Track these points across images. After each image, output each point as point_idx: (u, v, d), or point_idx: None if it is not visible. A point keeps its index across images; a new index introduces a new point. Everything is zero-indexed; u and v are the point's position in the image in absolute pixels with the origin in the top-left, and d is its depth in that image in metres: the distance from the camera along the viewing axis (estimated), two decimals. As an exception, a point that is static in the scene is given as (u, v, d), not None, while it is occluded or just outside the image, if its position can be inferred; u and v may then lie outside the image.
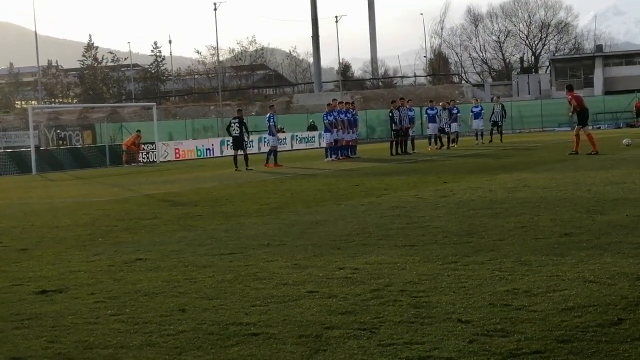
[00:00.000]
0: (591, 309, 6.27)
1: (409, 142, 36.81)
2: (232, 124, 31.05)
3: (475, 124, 43.77)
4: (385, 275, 7.97)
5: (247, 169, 29.39)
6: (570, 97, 29.06)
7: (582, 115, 28.56)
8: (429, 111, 40.78)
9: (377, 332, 5.89)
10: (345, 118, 34.39)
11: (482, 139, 43.54)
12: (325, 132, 34.81)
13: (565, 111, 30.26)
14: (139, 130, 44.78)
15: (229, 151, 46.08)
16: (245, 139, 31.01)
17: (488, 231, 10.57)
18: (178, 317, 6.66)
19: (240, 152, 30.76)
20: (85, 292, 7.91)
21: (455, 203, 14.23)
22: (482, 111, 43.95)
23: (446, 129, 40.16)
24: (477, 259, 8.58)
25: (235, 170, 29.51)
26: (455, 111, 41.05)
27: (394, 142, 36.13)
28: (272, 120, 32.31)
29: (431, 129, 40.42)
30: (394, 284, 7.54)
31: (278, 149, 33.26)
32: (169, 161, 44.80)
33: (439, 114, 40.10)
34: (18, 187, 27.63)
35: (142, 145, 44.26)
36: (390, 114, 36.22)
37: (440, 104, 42.64)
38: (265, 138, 45.87)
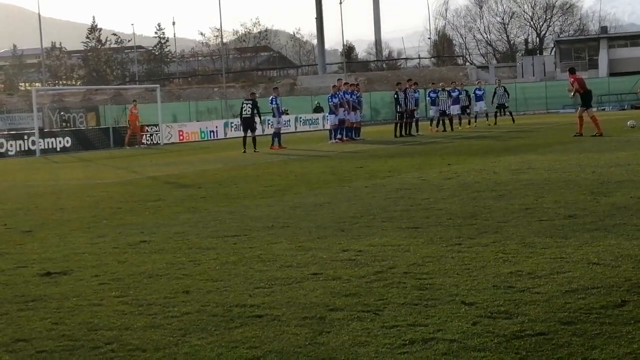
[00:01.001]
0: (595, 291, 6.28)
1: (413, 124, 36.76)
2: (244, 105, 31.03)
3: (477, 107, 43.75)
4: (389, 257, 7.98)
5: (254, 151, 29.37)
6: (572, 79, 29.06)
7: (585, 97, 28.54)
8: (431, 94, 40.66)
9: (381, 314, 5.90)
10: (351, 99, 34.33)
11: (487, 120, 43.65)
12: (330, 114, 34.74)
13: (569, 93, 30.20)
14: (134, 100, 45.75)
15: (233, 133, 46.21)
16: (257, 120, 31.00)
17: (492, 213, 10.57)
18: (182, 299, 6.67)
19: (249, 133, 30.76)
20: (90, 274, 7.93)
21: (459, 185, 14.22)
22: (484, 94, 43.86)
23: (447, 111, 40.00)
24: (481, 241, 8.58)
25: (243, 152, 29.49)
26: (455, 93, 40.89)
27: (399, 124, 36.10)
28: (274, 102, 32.40)
29: (433, 111, 40.33)
30: (398, 266, 7.54)
31: (281, 131, 33.24)
32: (172, 143, 44.74)
33: (439, 95, 39.99)
34: (22, 169, 27.66)
35: (146, 127, 44.28)
36: (396, 96, 36.21)
37: (440, 84, 42.38)
38: (269, 120, 45.89)
